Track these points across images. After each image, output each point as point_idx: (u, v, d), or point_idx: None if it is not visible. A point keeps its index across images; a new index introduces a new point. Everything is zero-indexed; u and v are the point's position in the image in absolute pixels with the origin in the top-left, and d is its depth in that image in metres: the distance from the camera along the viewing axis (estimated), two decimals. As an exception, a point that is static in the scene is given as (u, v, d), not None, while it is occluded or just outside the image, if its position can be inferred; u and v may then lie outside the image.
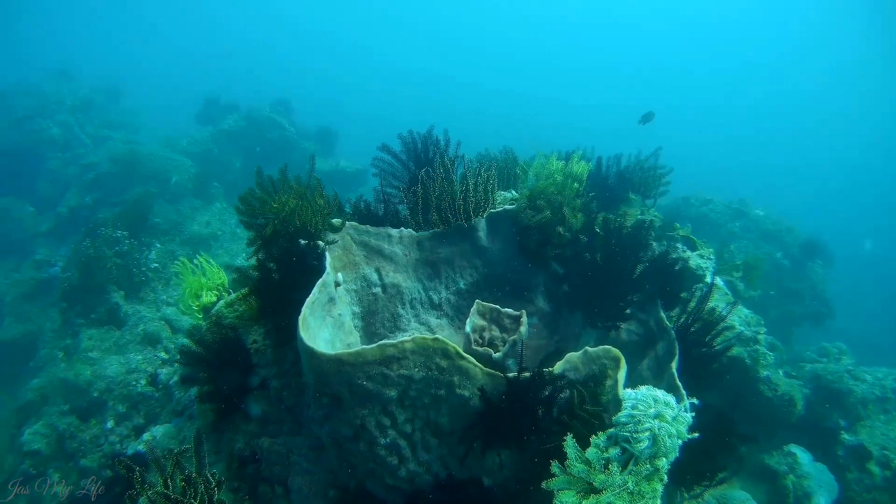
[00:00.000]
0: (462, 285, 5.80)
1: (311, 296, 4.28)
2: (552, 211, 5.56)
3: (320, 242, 4.78)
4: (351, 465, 4.42)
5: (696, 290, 7.21)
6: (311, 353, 3.89)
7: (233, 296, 5.18)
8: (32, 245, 17.45)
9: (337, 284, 4.69)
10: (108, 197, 17.77)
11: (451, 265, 5.77)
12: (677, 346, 4.93)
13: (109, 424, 9.57)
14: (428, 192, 5.66)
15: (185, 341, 5.07)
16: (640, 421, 3.63)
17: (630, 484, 3.49)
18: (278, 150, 22.65)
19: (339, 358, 3.84)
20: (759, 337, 8.01)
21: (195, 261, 6.93)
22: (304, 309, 4.20)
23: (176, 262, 8.65)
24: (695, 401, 3.84)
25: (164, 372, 9.88)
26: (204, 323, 5.63)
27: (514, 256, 5.85)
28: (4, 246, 17.73)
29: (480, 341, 4.91)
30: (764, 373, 7.88)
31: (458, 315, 5.83)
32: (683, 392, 4.39)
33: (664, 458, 3.56)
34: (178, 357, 5.03)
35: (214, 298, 6.60)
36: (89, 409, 9.82)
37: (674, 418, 3.64)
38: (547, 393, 4.00)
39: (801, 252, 16.03)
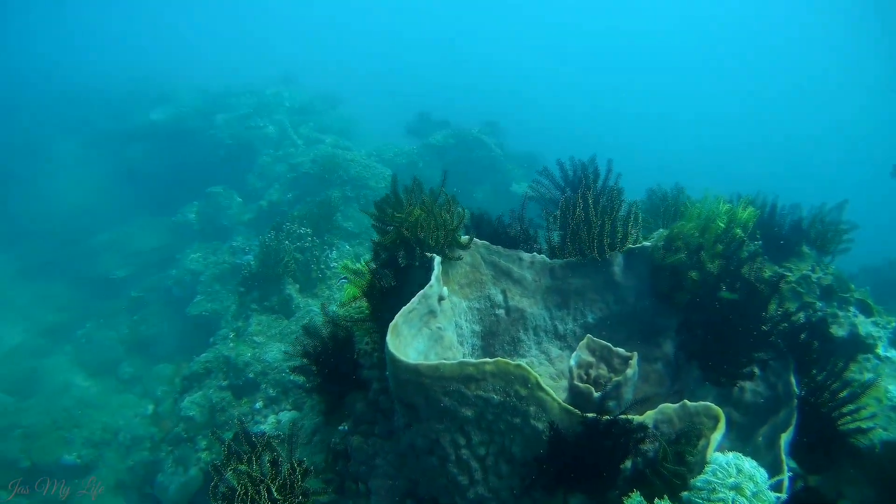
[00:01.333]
0: (591, 319, 5.65)
1: (408, 304, 4.44)
2: (688, 253, 5.25)
3: (434, 255, 4.91)
4: (426, 477, 4.48)
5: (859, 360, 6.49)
6: (393, 358, 4.04)
7: (345, 296, 5.47)
8: (234, 232, 19.59)
9: (441, 298, 4.79)
10: (304, 196, 19.47)
11: (582, 297, 5.65)
12: (795, 416, 4.45)
13: (258, 405, 10.46)
14: (567, 219, 5.60)
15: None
16: (714, 489, 3.39)
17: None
18: (482, 170, 23.35)
19: (416, 368, 3.95)
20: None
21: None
22: (397, 316, 4.37)
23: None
24: (785, 476, 3.49)
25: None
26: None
27: (645, 296, 5.59)
28: (212, 229, 20.08)
29: (585, 378, 4.75)
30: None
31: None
32: (786, 469, 3.95)
33: (738, 538, 3.25)
34: (295, 347, 5.39)
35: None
36: (244, 387, 10.82)
37: (754, 494, 3.33)
38: (623, 441, 3.79)
39: None
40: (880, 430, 5.99)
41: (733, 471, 3.42)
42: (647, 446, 3.98)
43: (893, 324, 7.05)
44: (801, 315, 5.61)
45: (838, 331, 6.60)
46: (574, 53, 76.07)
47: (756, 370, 4.92)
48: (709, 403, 4.07)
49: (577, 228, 5.48)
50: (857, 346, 6.58)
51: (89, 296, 19.97)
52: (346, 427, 5.25)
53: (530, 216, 6.08)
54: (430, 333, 4.69)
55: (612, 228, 5.39)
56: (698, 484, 3.46)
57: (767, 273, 5.89)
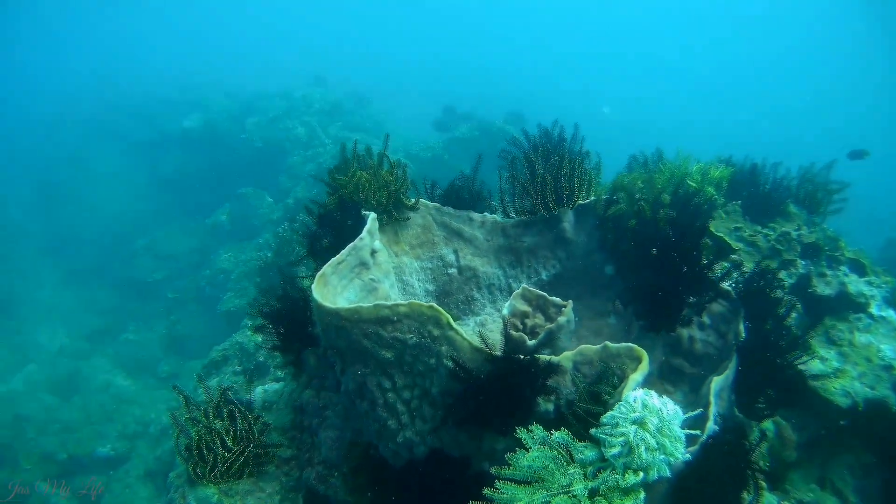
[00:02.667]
0: (545, 276, 5.77)
1: (338, 256, 4.66)
2: (628, 203, 5.33)
3: (369, 213, 5.13)
4: (362, 423, 4.70)
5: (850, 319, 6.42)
6: (317, 304, 4.26)
7: (294, 258, 5.74)
8: (264, 231, 20.21)
9: (374, 251, 4.99)
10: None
11: (535, 255, 5.78)
12: (734, 361, 4.49)
13: (266, 386, 10.85)
14: (517, 178, 5.75)
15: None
16: (617, 424, 3.39)
17: (578, 489, 3.27)
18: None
19: (337, 311, 4.16)
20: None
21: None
22: (325, 266, 4.59)
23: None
24: (710, 415, 3.51)
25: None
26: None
27: (595, 251, 5.68)
28: (244, 230, 20.77)
29: (521, 327, 4.88)
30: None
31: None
32: (712, 409, 4.00)
33: (639, 474, 3.25)
34: (252, 308, 5.69)
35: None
36: (255, 371, 11.24)
37: (657, 428, 3.32)
38: (531, 379, 3.92)
39: None
40: (867, 388, 5.94)
41: (639, 406, 3.41)
42: (566, 388, 4.09)
43: (892, 283, 6.94)
44: (774, 270, 5.61)
45: (825, 289, 6.52)
46: (600, 41, 75.18)
47: (694, 316, 4.98)
48: (632, 345, 4.12)
49: (526, 186, 5.62)
50: (848, 304, 6.51)
51: (129, 299, 20.90)
52: (303, 382, 5.52)
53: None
54: (363, 284, 4.90)
55: (558, 185, 5.50)
56: (605, 420, 3.47)
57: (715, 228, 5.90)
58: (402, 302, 4.10)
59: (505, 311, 4.87)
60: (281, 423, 5.83)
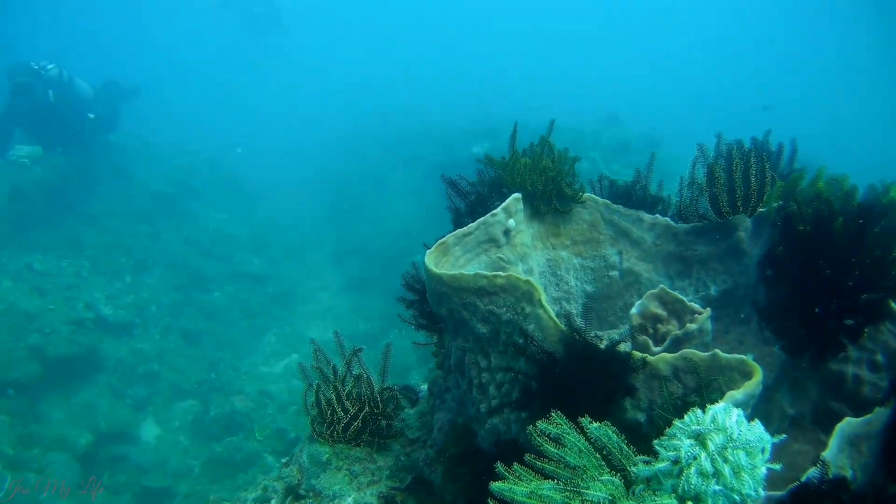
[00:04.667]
0: (713, 291, 5.12)
1: (465, 227, 4.67)
2: (803, 205, 4.48)
3: (514, 193, 5.03)
4: (464, 405, 4.60)
5: None
6: (426, 269, 4.33)
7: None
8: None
9: (507, 231, 4.85)
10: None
11: (705, 266, 5.18)
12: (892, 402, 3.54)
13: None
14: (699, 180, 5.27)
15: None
16: (675, 435, 2.82)
17: (595, 496, 2.73)
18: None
19: (440, 276, 4.19)
20: None
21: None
22: (449, 235, 4.63)
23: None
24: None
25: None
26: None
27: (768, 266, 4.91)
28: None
29: (652, 332, 4.41)
30: None
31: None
32: (828, 452, 3.17)
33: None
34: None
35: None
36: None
37: (719, 450, 2.67)
38: (613, 377, 3.50)
39: None
40: None
41: (706, 419, 2.79)
42: (661, 396, 3.58)
43: None
44: None
45: None
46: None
47: (865, 355, 4.03)
48: (745, 358, 3.48)
49: (703, 187, 5.09)
50: None
51: (398, 308, 22.62)
52: (438, 361, 5.54)
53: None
54: (489, 262, 4.80)
55: (733, 186, 4.87)
56: (669, 430, 2.91)
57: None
58: (502, 273, 3.98)
59: (634, 311, 4.46)
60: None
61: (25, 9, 45.60)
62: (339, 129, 34.82)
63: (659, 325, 4.43)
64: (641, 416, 3.63)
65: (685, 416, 2.88)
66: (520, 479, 2.89)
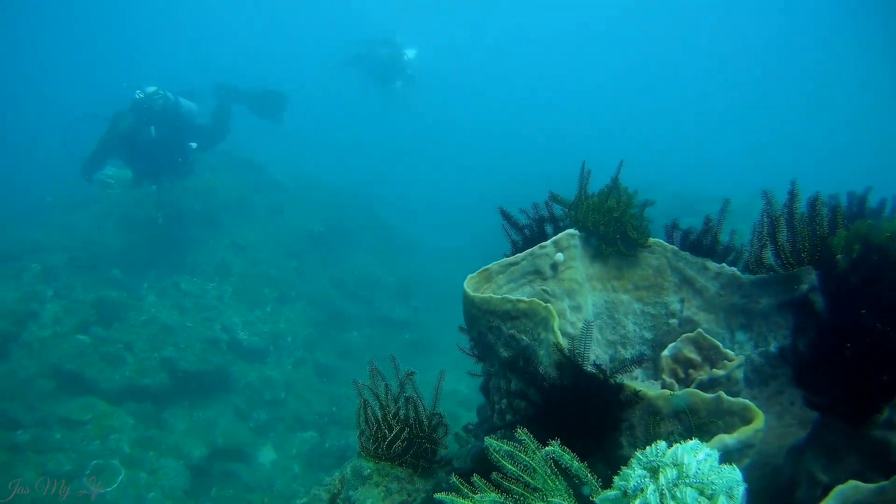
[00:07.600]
0: (773, 348, 5.01)
1: (512, 257, 4.93)
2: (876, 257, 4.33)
3: (570, 229, 5.21)
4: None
5: None
6: (463, 291, 4.62)
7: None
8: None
9: (555, 265, 5.01)
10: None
11: (767, 320, 5.07)
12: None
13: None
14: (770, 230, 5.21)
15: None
16: (631, 467, 2.84)
17: None
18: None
19: (472, 298, 4.47)
20: None
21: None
22: (494, 263, 4.90)
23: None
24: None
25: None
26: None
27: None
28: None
29: (681, 376, 4.41)
30: None
31: (761, 384, 5.10)
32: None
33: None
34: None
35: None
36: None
37: (669, 485, 2.67)
38: (599, 403, 3.59)
39: None
40: None
41: (667, 453, 2.79)
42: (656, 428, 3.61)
43: None
44: None
45: None
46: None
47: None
48: (748, 403, 3.43)
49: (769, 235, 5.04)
50: None
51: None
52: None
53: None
54: (533, 293, 4.98)
55: (796, 235, 4.79)
56: (631, 461, 2.90)
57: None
58: (525, 299, 4.20)
59: (665, 353, 4.50)
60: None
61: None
62: (493, 192, 36.03)
63: (691, 371, 4.43)
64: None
65: (646, 449, 2.92)
66: (478, 491, 3.13)
